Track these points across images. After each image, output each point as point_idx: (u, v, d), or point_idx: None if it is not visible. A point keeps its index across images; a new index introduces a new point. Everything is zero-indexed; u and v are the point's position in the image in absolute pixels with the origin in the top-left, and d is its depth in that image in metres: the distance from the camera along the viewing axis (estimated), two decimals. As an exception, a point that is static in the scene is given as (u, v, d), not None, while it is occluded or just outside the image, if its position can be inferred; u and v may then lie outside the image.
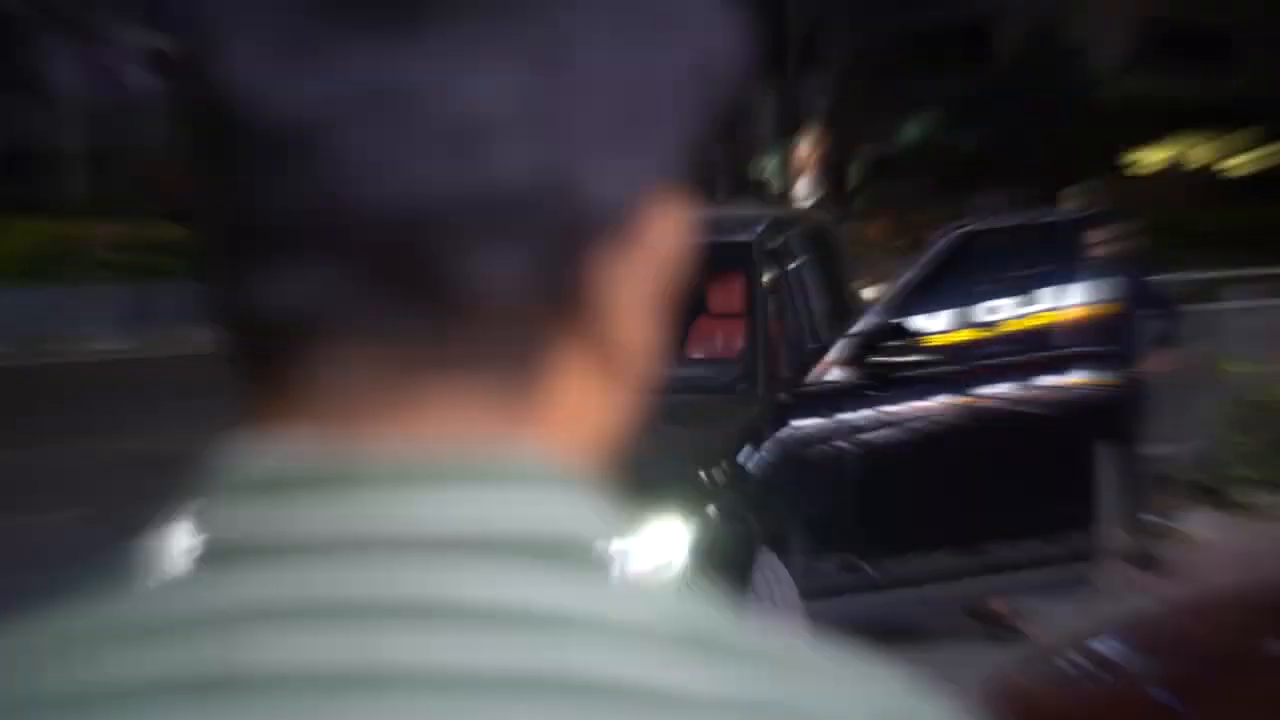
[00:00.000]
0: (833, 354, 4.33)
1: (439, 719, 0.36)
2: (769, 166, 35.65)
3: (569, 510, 0.40)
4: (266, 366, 0.41)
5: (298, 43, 0.38)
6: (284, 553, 0.38)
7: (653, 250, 0.44)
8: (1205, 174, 43.93)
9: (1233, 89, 44.90)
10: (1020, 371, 4.31)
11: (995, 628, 4.84)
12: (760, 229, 4.87)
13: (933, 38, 41.79)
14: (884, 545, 4.27)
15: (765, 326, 4.43)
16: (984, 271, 4.44)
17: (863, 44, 36.74)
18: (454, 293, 0.39)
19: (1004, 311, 4.36)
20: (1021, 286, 4.36)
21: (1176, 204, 36.53)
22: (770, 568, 3.68)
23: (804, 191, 28.12)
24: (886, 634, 4.95)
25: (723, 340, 4.93)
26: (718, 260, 5.03)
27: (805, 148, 28.41)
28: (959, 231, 4.43)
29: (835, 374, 4.30)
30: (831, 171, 36.06)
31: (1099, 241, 5.38)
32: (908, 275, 4.39)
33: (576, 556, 0.39)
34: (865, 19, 38.94)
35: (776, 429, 4.13)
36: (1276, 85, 43.52)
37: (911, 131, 39.03)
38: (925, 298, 4.36)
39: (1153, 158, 43.12)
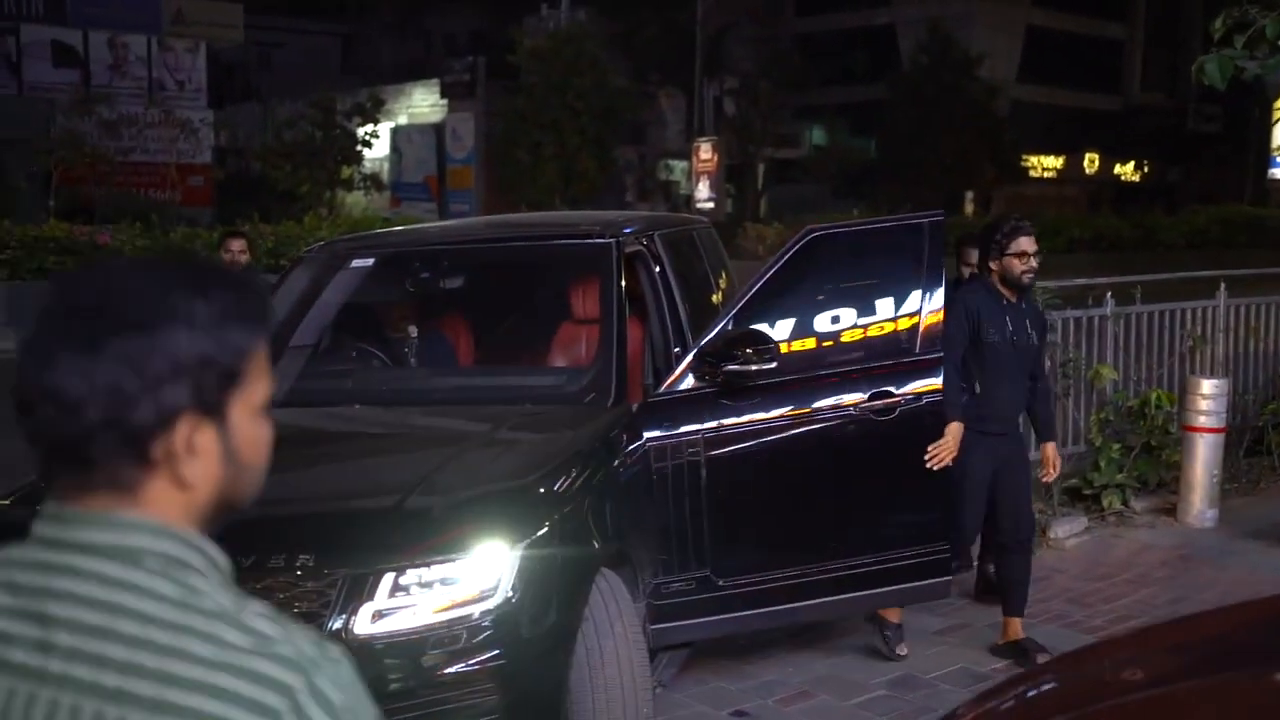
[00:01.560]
0: (685, 362, 4.15)
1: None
2: (676, 169, 35.70)
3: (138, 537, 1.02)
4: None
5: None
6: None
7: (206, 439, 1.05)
8: (1098, 180, 45.01)
9: (1123, 99, 46.16)
10: (868, 379, 4.18)
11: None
12: (622, 232, 4.69)
13: (837, 46, 42.22)
14: (736, 562, 4.10)
15: (621, 332, 4.24)
16: (830, 277, 4.30)
17: (768, 50, 36.94)
18: (87, 461, 1.01)
19: (849, 318, 4.23)
20: (866, 292, 4.23)
21: (1070, 209, 37.37)
22: (611, 589, 3.49)
23: (704, 194, 28.12)
24: (741, 651, 4.81)
25: (585, 346, 4.75)
26: (577, 263, 4.85)
27: (705, 151, 28.41)
28: (806, 237, 4.28)
29: (688, 382, 4.13)
30: (735, 175, 36.22)
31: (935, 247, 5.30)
32: (757, 281, 4.23)
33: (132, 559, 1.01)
34: (771, 26, 39.24)
35: (626, 440, 3.94)
36: (1166, 95, 44.88)
37: (815, 136, 39.36)
38: (775, 304, 4.21)
39: (1047, 164, 44.06)
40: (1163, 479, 6.94)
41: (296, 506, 3.36)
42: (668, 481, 4.02)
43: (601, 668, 3.39)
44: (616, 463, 3.89)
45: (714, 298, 5.52)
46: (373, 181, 27.35)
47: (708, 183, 28.34)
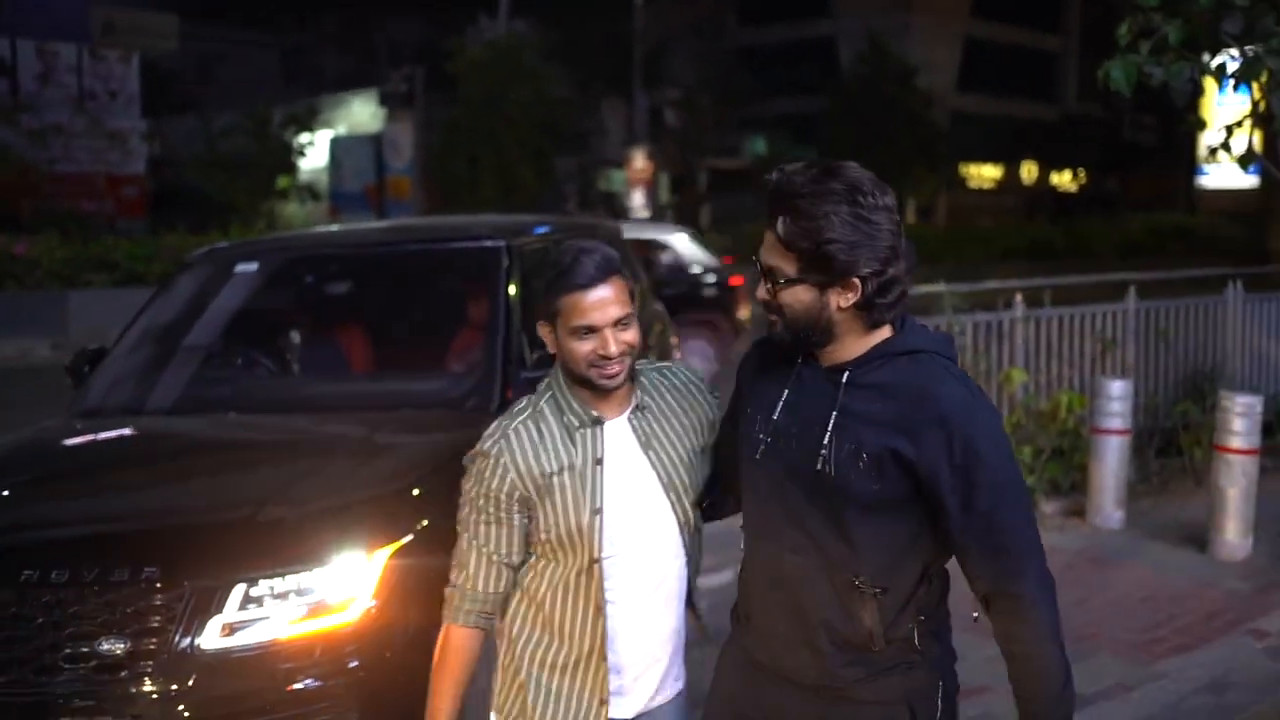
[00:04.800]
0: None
1: None
2: (617, 179, 35.71)
3: None
4: None
5: None
6: None
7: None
8: (1037, 190, 45.62)
9: (1060, 109, 46.86)
10: None
11: None
12: (514, 236, 4.63)
13: (778, 57, 42.50)
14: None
15: (507, 337, 4.17)
16: None
17: (710, 62, 37.09)
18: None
19: None
20: None
21: (1009, 218, 37.83)
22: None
23: (639, 203, 28.15)
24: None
25: (475, 352, 4.66)
26: (467, 268, 4.77)
27: (639, 161, 28.45)
28: None
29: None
30: (679, 185, 36.30)
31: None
32: None
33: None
34: (713, 38, 39.43)
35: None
36: (1102, 105, 45.63)
37: (757, 146, 39.57)
38: None
39: (986, 173, 44.62)
40: (1074, 481, 6.97)
41: (148, 519, 3.25)
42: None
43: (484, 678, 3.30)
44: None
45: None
46: (309, 192, 27.08)
47: (642, 192, 28.38)
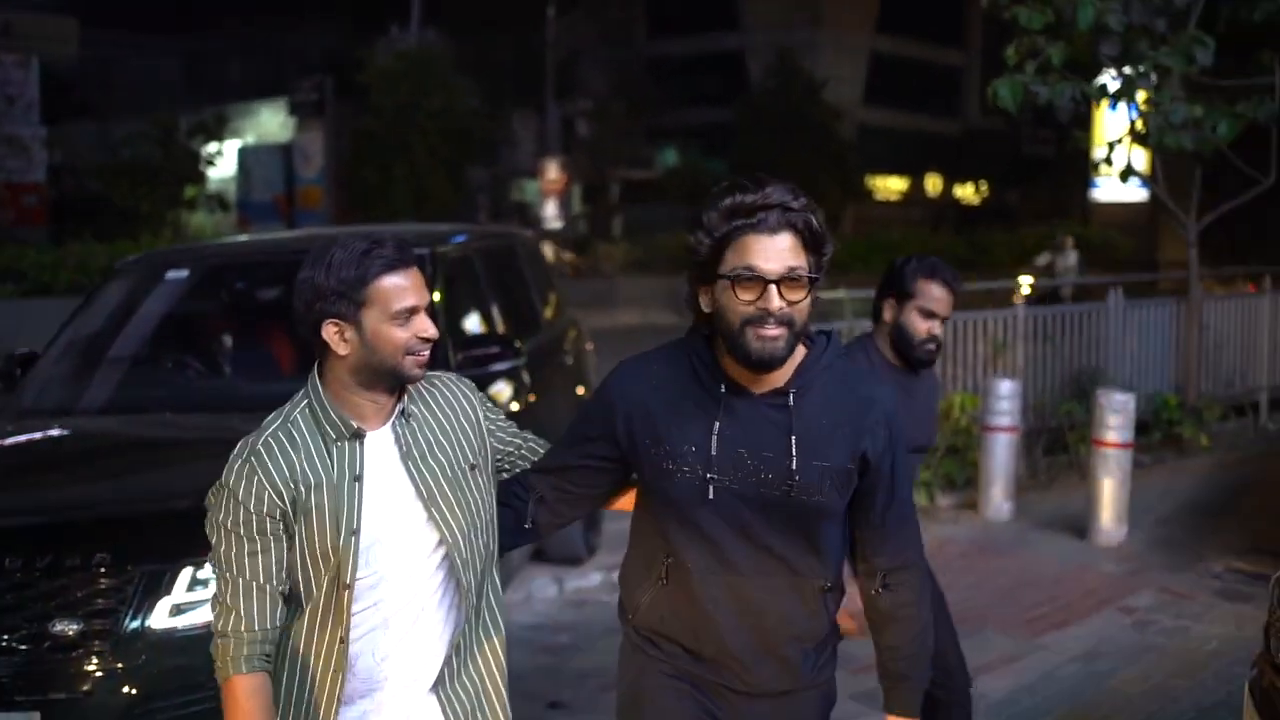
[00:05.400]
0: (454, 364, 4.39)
1: None
2: (529, 189, 35.92)
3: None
4: None
5: None
6: None
7: None
8: (941, 202, 46.81)
9: (963, 123, 48.15)
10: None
11: None
12: (441, 242, 4.88)
13: (688, 69, 43.05)
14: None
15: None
16: None
17: (620, 73, 37.50)
18: None
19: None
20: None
21: (915, 230, 38.80)
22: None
23: (551, 213, 28.40)
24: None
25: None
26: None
27: (552, 171, 28.72)
28: None
29: None
30: (592, 195, 36.63)
31: None
32: None
33: None
34: (623, 49, 39.85)
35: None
36: (1003, 119, 47.01)
37: (668, 157, 40.05)
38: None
39: (892, 185, 45.68)
40: (968, 477, 7.39)
41: (97, 508, 3.42)
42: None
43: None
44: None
45: (531, 299, 5.77)
46: (217, 201, 26.82)
47: (555, 202, 28.66)
